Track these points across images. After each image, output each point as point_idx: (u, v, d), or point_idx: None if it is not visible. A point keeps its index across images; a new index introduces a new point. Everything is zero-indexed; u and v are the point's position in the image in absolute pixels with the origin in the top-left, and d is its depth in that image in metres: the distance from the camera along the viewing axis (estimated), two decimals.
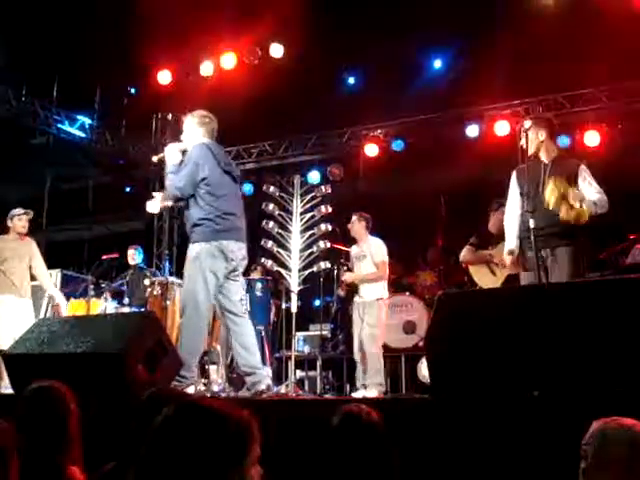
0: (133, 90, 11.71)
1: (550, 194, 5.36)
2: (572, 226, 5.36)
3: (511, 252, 5.73)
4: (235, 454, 1.71)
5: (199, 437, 1.71)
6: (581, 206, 5.32)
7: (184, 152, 6.00)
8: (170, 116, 12.15)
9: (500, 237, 7.54)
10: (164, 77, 11.17)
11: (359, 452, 2.95)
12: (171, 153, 5.98)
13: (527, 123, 5.65)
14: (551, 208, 5.35)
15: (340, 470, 2.92)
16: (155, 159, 6.17)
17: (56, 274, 8.90)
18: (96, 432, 4.33)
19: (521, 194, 5.59)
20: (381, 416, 3.15)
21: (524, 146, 5.58)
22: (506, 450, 3.57)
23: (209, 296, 5.68)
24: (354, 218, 8.04)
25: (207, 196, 5.76)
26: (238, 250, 5.83)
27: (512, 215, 5.79)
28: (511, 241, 5.76)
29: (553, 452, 3.41)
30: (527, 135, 5.60)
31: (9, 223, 8.02)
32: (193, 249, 5.74)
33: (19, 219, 7.96)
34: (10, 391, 5.78)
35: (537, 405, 3.63)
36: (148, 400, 3.16)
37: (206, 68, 10.97)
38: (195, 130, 6.04)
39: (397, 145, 10.96)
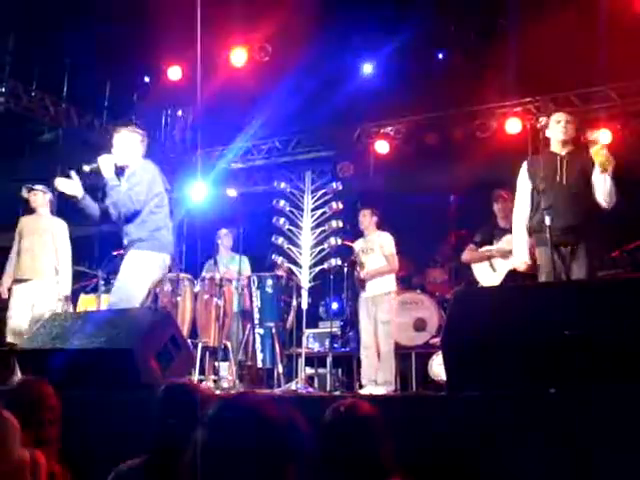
0: (147, 78, 11.66)
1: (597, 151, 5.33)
2: (589, 223, 5.33)
3: (525, 263, 5.70)
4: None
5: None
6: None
7: (117, 165, 6.12)
8: (180, 112, 12.18)
9: (505, 229, 7.54)
10: (174, 73, 11.15)
11: (345, 446, 2.96)
12: (106, 165, 6.02)
13: (566, 115, 5.73)
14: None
15: (330, 465, 2.92)
16: (87, 169, 6.10)
17: None
18: (108, 427, 4.35)
19: (535, 190, 5.55)
20: (375, 411, 3.15)
21: (562, 136, 5.60)
22: (523, 447, 3.55)
23: (144, 301, 5.93)
24: (366, 212, 8.04)
25: (157, 209, 6.03)
26: (169, 263, 6.21)
27: (521, 216, 5.72)
28: (523, 252, 5.71)
29: (570, 449, 3.40)
30: (567, 127, 5.64)
31: None
32: (142, 256, 5.92)
33: (27, 195, 7.88)
34: None
35: (554, 402, 3.61)
36: (164, 393, 3.21)
37: (216, 65, 10.94)
38: (136, 147, 6.18)
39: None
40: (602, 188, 5.35)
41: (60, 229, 7.87)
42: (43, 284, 7.63)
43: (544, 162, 5.55)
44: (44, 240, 7.73)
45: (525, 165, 5.78)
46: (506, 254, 7.85)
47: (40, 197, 7.87)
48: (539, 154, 5.77)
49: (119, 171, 6.12)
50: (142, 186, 5.95)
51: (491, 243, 7.72)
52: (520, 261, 5.74)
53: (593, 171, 5.42)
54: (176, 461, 2.93)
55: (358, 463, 2.93)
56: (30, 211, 7.94)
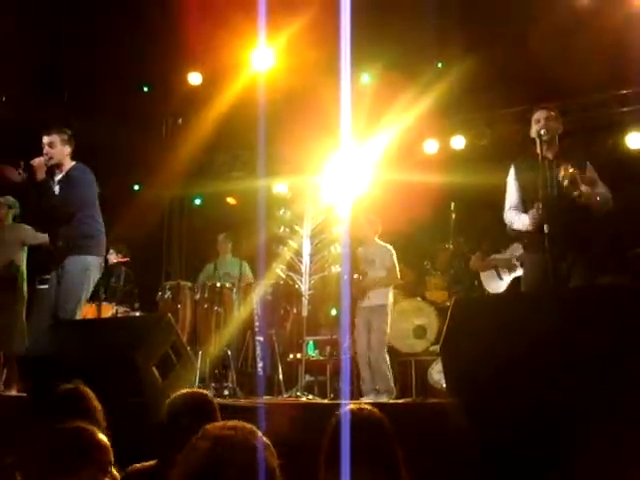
0: (146, 89, 11.64)
1: (563, 177, 5.10)
2: (587, 231, 5.26)
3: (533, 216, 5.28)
4: None
5: None
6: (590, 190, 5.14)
7: (51, 167, 6.21)
8: (180, 120, 12.20)
9: (513, 239, 7.55)
10: (195, 78, 11.07)
11: (361, 449, 2.90)
12: (39, 168, 6.09)
13: (545, 112, 5.50)
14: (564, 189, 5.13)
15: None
16: (22, 173, 6.13)
17: None
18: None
19: (526, 198, 5.47)
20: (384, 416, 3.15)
21: (543, 134, 5.35)
22: (523, 453, 3.56)
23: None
24: (364, 220, 8.00)
25: (95, 213, 6.22)
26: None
27: (516, 214, 5.53)
28: (525, 218, 5.39)
29: (569, 455, 3.41)
30: (549, 124, 5.43)
31: None
32: (84, 260, 6.06)
33: None
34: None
35: (552, 409, 3.62)
36: (176, 402, 3.28)
37: (218, 72, 10.93)
38: (67, 147, 6.30)
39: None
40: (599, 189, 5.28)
41: (25, 232, 7.82)
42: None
43: (533, 170, 5.34)
44: (11, 251, 7.72)
45: (512, 168, 5.65)
46: (512, 265, 7.92)
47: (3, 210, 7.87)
48: (525, 156, 5.67)
49: (50, 172, 6.23)
50: (78, 189, 6.12)
51: (498, 252, 7.75)
52: (530, 218, 5.34)
53: (586, 172, 5.31)
54: None
55: (375, 466, 2.91)
56: None
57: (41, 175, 6.07)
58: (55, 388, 3.59)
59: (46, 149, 6.22)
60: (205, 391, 3.60)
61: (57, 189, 6.18)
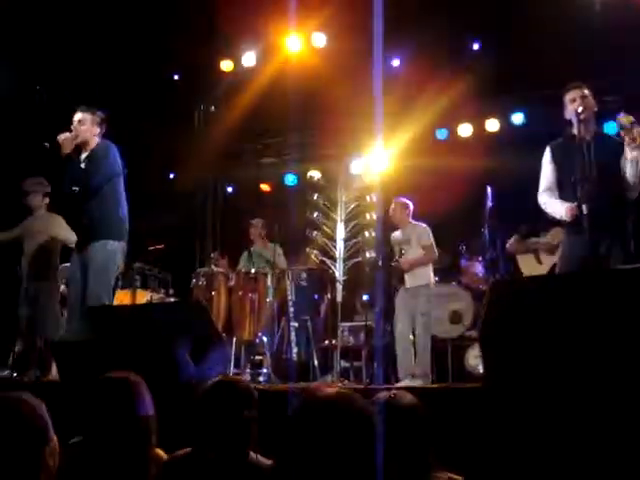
0: (177, 77, 11.59)
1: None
2: (625, 210, 5.19)
3: (570, 209, 5.27)
4: None
5: None
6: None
7: (78, 144, 6.14)
8: (213, 108, 12.19)
9: (553, 222, 7.45)
10: (249, 59, 10.95)
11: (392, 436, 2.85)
12: (65, 142, 6.01)
13: (579, 90, 5.44)
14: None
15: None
16: (48, 146, 6.14)
17: None
18: None
19: (563, 178, 5.41)
20: (419, 402, 3.10)
21: (580, 112, 5.27)
22: (560, 440, 3.50)
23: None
24: (394, 204, 7.95)
25: (118, 194, 6.13)
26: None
27: (551, 196, 5.55)
28: (563, 205, 5.37)
29: (610, 444, 3.34)
30: (585, 102, 5.36)
31: None
32: (109, 245, 6.00)
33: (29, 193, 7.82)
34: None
35: (591, 394, 3.55)
36: (213, 388, 3.23)
37: (250, 59, 10.90)
38: (96, 128, 6.22)
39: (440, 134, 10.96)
40: (631, 170, 5.17)
41: (55, 223, 7.76)
42: (38, 286, 7.67)
43: (571, 151, 5.31)
44: (41, 241, 7.67)
45: (548, 150, 5.64)
46: (552, 248, 7.79)
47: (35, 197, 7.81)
48: (561, 138, 5.62)
49: (78, 149, 6.17)
50: (103, 161, 6.06)
51: (537, 235, 7.64)
52: (567, 211, 5.33)
53: (623, 153, 5.20)
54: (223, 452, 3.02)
55: (404, 454, 2.86)
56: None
57: (66, 150, 5.99)
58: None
59: (75, 125, 6.15)
60: (241, 378, 3.57)
61: (83, 165, 6.13)
